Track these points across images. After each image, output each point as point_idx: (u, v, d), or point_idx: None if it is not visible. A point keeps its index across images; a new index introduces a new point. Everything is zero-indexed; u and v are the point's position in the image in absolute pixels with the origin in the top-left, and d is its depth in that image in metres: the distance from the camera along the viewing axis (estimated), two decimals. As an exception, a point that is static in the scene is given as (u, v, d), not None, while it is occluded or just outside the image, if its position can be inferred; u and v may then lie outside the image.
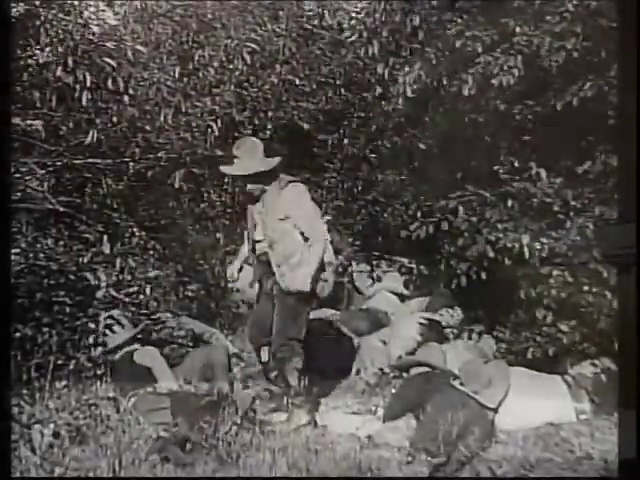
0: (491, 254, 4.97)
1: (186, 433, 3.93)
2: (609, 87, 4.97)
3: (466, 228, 5.25)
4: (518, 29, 5.40)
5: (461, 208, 5.38)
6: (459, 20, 5.56)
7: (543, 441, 4.11)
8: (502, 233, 4.99)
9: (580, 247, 4.78)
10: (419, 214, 6.92)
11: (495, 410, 4.34)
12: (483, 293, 5.36)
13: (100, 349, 4.90)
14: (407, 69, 5.78)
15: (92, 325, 4.94)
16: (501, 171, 5.60)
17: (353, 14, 8.32)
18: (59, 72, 4.98)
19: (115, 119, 5.73)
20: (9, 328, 4.06)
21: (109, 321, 4.97)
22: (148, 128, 5.95)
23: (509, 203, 5.24)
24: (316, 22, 8.15)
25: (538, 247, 4.83)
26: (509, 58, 5.25)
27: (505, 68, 5.27)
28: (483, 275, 5.08)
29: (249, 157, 4.57)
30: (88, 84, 5.11)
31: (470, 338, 5.37)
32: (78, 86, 5.16)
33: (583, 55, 5.20)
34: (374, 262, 7.08)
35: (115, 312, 5.08)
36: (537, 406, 4.39)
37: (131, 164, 5.75)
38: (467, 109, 5.89)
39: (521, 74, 5.29)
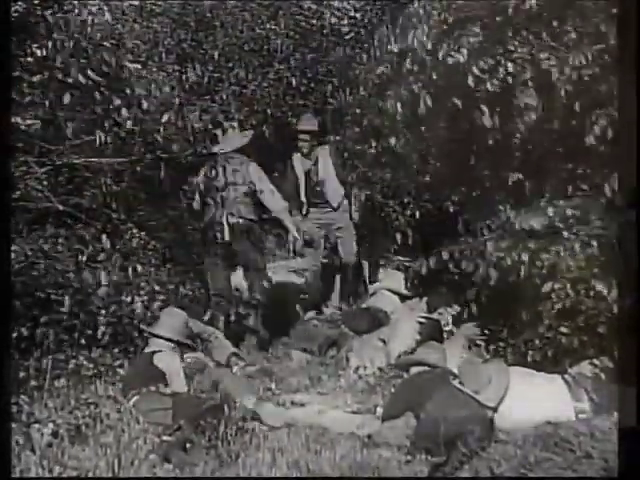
0: (494, 274, 4.92)
1: (189, 436, 3.94)
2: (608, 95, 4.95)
3: (468, 254, 5.18)
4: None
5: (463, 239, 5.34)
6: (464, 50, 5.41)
7: (542, 440, 4.09)
8: (504, 252, 4.93)
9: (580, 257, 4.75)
10: (417, 214, 6.94)
11: (494, 409, 4.34)
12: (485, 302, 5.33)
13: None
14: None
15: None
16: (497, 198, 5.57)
17: (352, 13, 8.33)
18: (58, 71, 4.97)
19: (114, 118, 5.71)
20: (8, 327, 4.06)
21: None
22: (147, 127, 5.94)
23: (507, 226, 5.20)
24: (314, 21, 8.15)
25: (539, 264, 4.79)
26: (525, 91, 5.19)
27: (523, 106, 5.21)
28: (491, 294, 5.02)
29: None
30: (87, 83, 5.11)
31: (474, 345, 5.34)
32: (77, 85, 5.16)
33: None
34: (373, 261, 7.09)
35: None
36: (536, 405, 4.39)
37: (130, 163, 5.74)
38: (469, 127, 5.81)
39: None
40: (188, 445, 3.94)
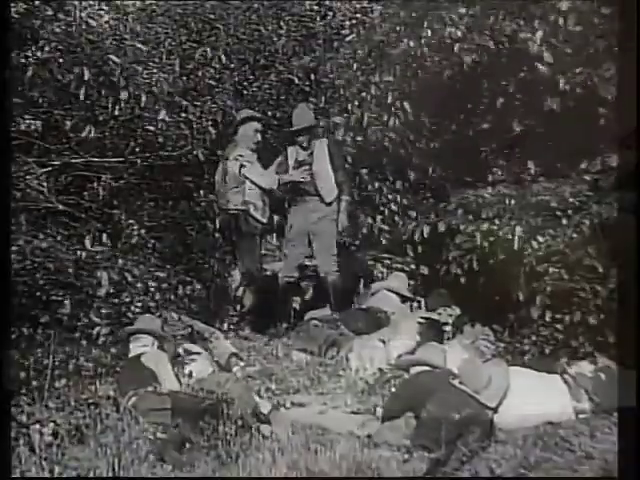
0: (485, 243, 4.96)
1: (186, 435, 3.93)
2: (604, 83, 4.97)
3: (464, 227, 5.23)
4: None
5: (459, 211, 5.36)
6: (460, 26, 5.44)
7: (542, 440, 4.10)
8: (497, 226, 4.99)
9: (576, 244, 4.77)
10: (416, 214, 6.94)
11: (494, 409, 4.34)
12: (480, 291, 5.35)
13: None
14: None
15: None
16: (499, 172, 5.60)
17: (351, 14, 8.33)
18: (58, 71, 4.99)
19: (114, 118, 5.73)
20: (8, 327, 4.06)
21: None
22: (148, 127, 5.95)
23: (506, 201, 5.23)
24: (316, 22, 8.14)
25: (534, 243, 4.81)
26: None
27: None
28: (475, 265, 5.05)
29: None
30: (87, 83, 5.12)
31: (473, 344, 5.36)
32: (77, 85, 5.17)
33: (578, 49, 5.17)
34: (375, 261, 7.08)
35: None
36: (536, 405, 4.39)
37: (130, 163, 5.75)
38: (465, 107, 5.86)
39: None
40: (187, 445, 3.94)
